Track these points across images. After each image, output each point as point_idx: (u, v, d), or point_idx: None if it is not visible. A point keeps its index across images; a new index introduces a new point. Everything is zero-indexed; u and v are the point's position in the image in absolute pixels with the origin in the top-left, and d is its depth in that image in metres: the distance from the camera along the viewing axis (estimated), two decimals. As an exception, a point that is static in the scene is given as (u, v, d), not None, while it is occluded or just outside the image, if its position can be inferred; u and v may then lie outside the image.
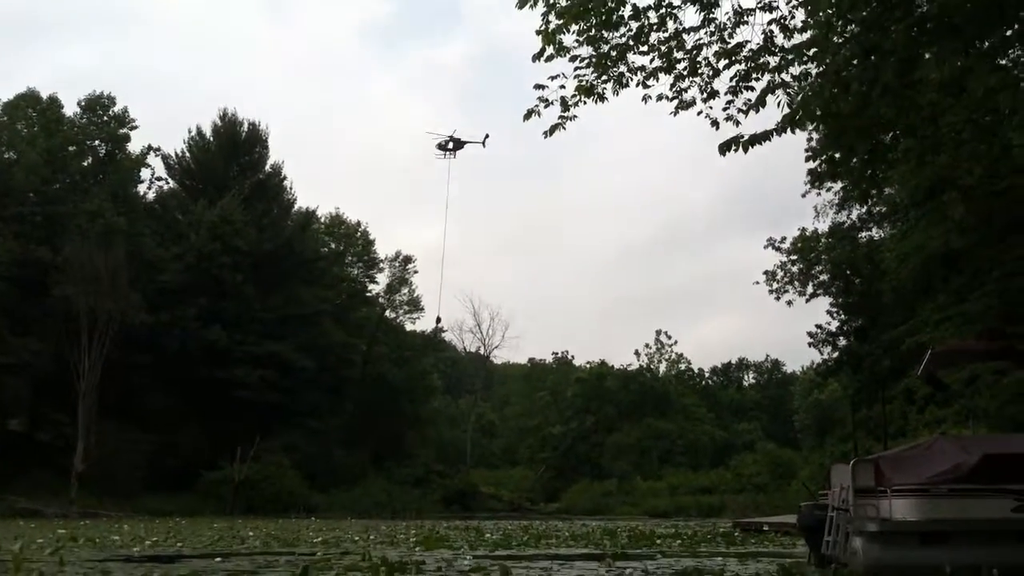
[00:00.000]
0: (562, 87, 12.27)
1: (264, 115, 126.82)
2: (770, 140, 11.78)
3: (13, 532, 24.03)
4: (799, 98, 11.81)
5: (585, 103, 12.46)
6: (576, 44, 12.00)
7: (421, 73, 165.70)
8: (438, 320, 58.91)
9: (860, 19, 10.82)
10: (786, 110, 11.77)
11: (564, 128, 12.50)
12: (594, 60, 12.10)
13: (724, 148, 11.82)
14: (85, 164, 63.09)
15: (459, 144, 42.52)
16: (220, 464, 56.88)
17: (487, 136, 43.33)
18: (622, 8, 11.66)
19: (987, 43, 10.42)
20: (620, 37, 11.97)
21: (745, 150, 11.77)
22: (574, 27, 11.70)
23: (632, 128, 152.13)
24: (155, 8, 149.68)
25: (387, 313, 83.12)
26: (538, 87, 12.31)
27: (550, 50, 11.81)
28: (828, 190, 47.73)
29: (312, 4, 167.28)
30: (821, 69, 11.68)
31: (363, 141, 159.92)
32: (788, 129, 11.69)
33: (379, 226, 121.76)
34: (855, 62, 11.03)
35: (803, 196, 49.63)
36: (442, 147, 42.10)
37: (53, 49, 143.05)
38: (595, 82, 12.32)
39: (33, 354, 52.76)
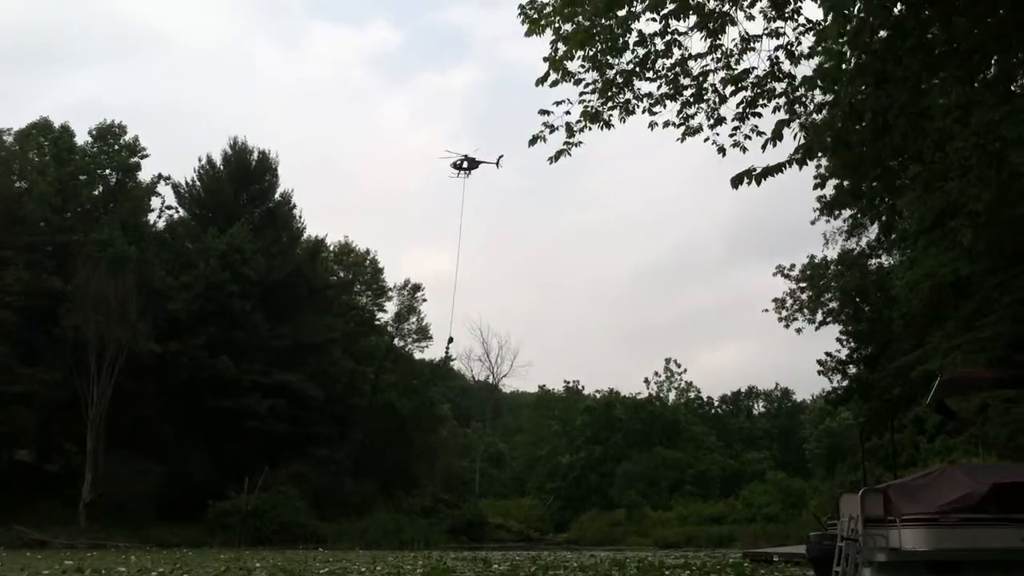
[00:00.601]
0: (567, 113, 12.28)
1: (274, 143, 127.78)
2: (783, 172, 11.75)
3: (20, 563, 23.97)
4: (811, 128, 11.78)
5: (590, 129, 12.46)
6: (582, 69, 12.01)
7: (430, 101, 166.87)
8: (450, 340, 58.46)
9: (870, 48, 10.81)
10: (799, 141, 11.73)
11: (569, 154, 12.50)
12: (599, 86, 12.11)
13: (736, 181, 11.78)
14: (96, 193, 63.27)
15: (474, 164, 42.60)
16: (228, 494, 56.65)
17: (501, 157, 43.42)
18: (627, 35, 11.68)
19: (993, 71, 10.41)
20: (626, 64, 11.99)
21: (758, 183, 11.72)
22: (579, 53, 11.72)
23: (641, 154, 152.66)
24: (165, 38, 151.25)
25: (396, 342, 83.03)
26: (543, 112, 12.31)
27: (555, 75, 11.82)
28: (837, 217, 47.73)
29: (322, 34, 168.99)
30: (831, 98, 11.66)
31: (372, 170, 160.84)
32: (801, 161, 11.64)
33: (388, 255, 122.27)
34: (864, 89, 11.01)
35: (812, 223, 49.62)
36: (457, 166, 42.19)
37: (64, 78, 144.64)
38: (600, 108, 12.33)
39: (41, 383, 52.74)
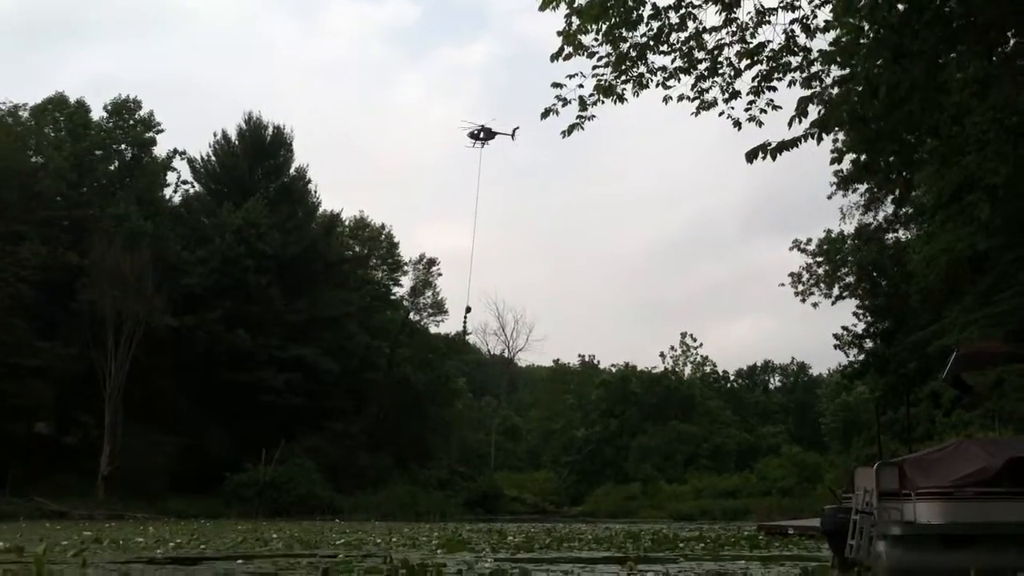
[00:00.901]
0: (580, 87, 12.19)
1: (290, 118, 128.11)
2: (798, 146, 11.66)
3: (39, 534, 24.20)
4: (828, 103, 11.67)
5: (603, 103, 12.37)
6: (595, 43, 11.93)
7: (447, 76, 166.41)
8: (468, 310, 58.36)
9: (888, 22, 10.69)
10: (815, 115, 11.63)
11: (582, 128, 12.42)
12: (613, 60, 12.02)
13: (751, 156, 11.70)
14: (112, 168, 63.49)
15: (490, 134, 42.67)
16: (245, 466, 57.06)
17: (516, 128, 43.48)
18: (641, 8, 11.58)
19: (1011, 46, 10.31)
20: (640, 36, 11.90)
21: (773, 157, 11.64)
22: (593, 26, 11.63)
23: (656, 129, 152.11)
24: (182, 12, 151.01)
25: (411, 316, 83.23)
26: (556, 85, 12.24)
27: (569, 49, 11.75)
28: (854, 191, 47.50)
29: (339, 9, 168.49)
30: (848, 72, 11.55)
31: (389, 145, 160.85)
32: (817, 136, 11.55)
33: (403, 229, 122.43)
34: (879, 62, 10.91)
35: (829, 198, 49.34)
36: (474, 136, 42.30)
37: (80, 53, 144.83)
38: (614, 82, 12.24)
39: (59, 357, 53.07)
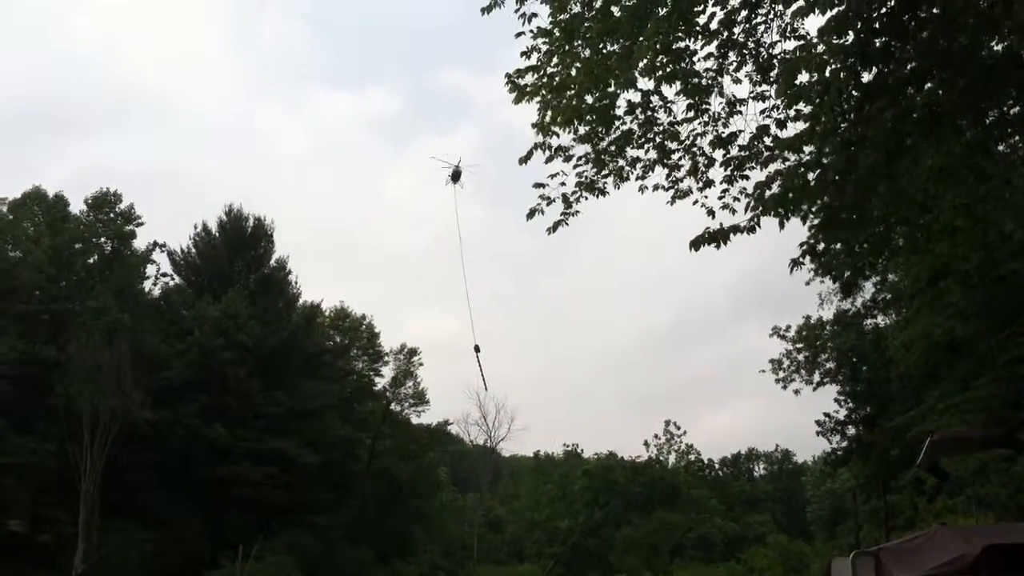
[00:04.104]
0: (562, 184, 12.34)
1: (273, 210, 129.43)
2: (746, 233, 11.71)
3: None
4: (794, 190, 11.75)
5: (587, 199, 12.50)
6: (574, 143, 12.11)
7: (429, 163, 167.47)
8: (477, 349, 57.35)
9: (841, 111, 10.85)
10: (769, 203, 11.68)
11: (567, 224, 12.52)
12: (592, 158, 12.17)
13: (695, 244, 11.76)
14: (91, 262, 63.09)
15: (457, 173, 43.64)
16: (222, 563, 55.84)
17: (460, 163, 44.66)
18: (616, 109, 11.75)
19: (968, 134, 10.45)
20: (616, 132, 12.06)
21: (717, 245, 11.70)
22: (566, 130, 11.78)
23: (645, 215, 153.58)
24: (164, 103, 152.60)
25: (392, 406, 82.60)
26: (538, 186, 12.38)
27: (542, 138, 11.86)
28: (832, 279, 47.84)
29: (321, 98, 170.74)
30: (807, 160, 11.68)
31: (371, 234, 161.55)
32: (758, 223, 11.61)
33: (389, 318, 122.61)
34: (844, 151, 11.03)
35: (807, 284, 49.72)
36: (455, 177, 43.27)
37: (69, 147, 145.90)
38: (595, 177, 12.39)
39: (35, 453, 52.23)
